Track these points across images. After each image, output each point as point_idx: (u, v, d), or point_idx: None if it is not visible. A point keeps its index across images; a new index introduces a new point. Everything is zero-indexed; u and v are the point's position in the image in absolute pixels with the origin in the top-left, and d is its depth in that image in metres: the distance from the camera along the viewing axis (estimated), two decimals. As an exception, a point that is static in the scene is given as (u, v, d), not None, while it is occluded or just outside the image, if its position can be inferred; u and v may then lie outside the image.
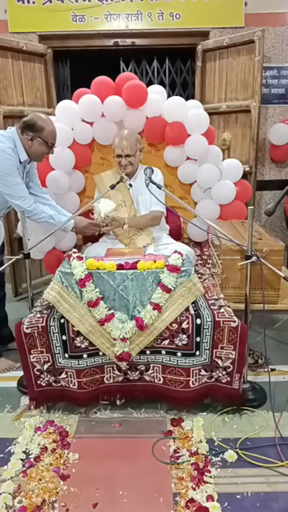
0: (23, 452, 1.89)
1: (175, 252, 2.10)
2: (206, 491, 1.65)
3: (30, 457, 1.87)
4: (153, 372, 2.11)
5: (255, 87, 3.46)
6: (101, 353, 2.08)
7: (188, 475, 1.73)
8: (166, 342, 2.06)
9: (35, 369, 2.11)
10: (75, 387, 2.10)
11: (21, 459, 1.85)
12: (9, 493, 1.66)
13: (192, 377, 2.06)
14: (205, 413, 2.13)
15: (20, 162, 2.46)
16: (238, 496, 1.64)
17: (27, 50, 3.51)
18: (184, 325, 2.03)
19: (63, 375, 2.10)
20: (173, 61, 4.33)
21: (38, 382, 2.13)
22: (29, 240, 2.32)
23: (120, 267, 2.06)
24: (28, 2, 3.64)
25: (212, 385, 2.10)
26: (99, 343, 2.04)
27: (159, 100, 3.02)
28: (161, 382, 2.11)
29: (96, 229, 2.73)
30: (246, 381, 2.21)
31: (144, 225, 2.74)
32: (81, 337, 2.05)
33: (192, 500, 1.60)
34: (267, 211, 2.78)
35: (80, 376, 2.08)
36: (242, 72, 3.56)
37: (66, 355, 2.08)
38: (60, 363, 2.09)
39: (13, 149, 2.39)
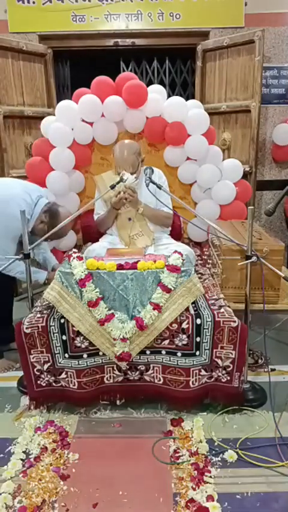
0: (23, 452, 1.89)
1: (175, 252, 2.10)
2: (206, 491, 1.65)
3: (30, 457, 1.87)
4: (153, 372, 2.11)
5: (255, 87, 3.46)
6: (101, 353, 2.08)
7: (188, 475, 1.73)
8: (166, 342, 2.06)
9: (35, 369, 2.11)
10: (75, 387, 2.10)
11: (21, 459, 1.85)
12: (9, 493, 1.66)
13: (192, 377, 2.06)
14: (205, 413, 2.13)
15: None
16: (238, 496, 1.64)
17: (27, 50, 3.52)
18: (184, 325, 2.03)
19: (63, 375, 2.10)
20: (173, 61, 4.32)
21: (38, 382, 2.13)
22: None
23: (120, 267, 2.06)
24: (28, 2, 3.63)
25: (212, 384, 2.10)
26: (99, 343, 2.04)
27: (159, 100, 3.02)
28: (161, 382, 2.11)
29: None
30: (246, 381, 2.21)
31: (156, 218, 2.71)
32: (81, 337, 2.05)
33: (192, 500, 1.60)
34: (267, 211, 2.79)
35: (80, 376, 2.08)
36: (242, 72, 3.55)
37: (66, 355, 2.08)
38: (60, 363, 2.09)
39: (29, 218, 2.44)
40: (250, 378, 2.31)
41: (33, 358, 2.09)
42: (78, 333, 2.04)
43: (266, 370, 2.32)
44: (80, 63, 4.43)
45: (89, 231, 3.08)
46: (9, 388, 2.38)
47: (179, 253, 2.09)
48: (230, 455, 1.83)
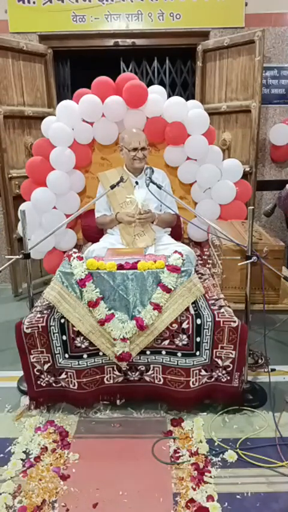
0: (23, 452, 1.89)
1: (175, 252, 2.10)
2: (206, 491, 1.65)
3: (30, 457, 1.87)
4: (154, 373, 2.11)
5: (256, 88, 3.46)
6: (101, 353, 2.08)
7: (188, 475, 1.73)
8: (166, 342, 2.06)
9: (35, 369, 2.11)
10: (75, 387, 2.10)
11: (21, 459, 1.85)
12: (9, 493, 1.66)
13: (193, 377, 2.06)
14: (205, 413, 2.13)
15: None
16: (238, 496, 1.64)
17: (28, 50, 3.51)
18: (184, 325, 2.03)
19: (63, 375, 2.10)
20: (173, 61, 4.32)
21: (38, 382, 2.13)
22: (29, 240, 2.32)
23: (120, 267, 2.06)
24: (28, 2, 3.63)
25: (212, 384, 2.10)
26: (100, 343, 2.04)
27: (159, 100, 3.02)
28: (161, 382, 2.11)
29: None
30: (246, 381, 2.21)
31: (166, 222, 2.82)
32: (82, 337, 2.05)
33: (192, 500, 1.61)
34: (265, 212, 2.79)
35: (80, 376, 2.08)
36: (242, 73, 3.55)
37: (66, 355, 2.08)
38: (60, 363, 2.09)
39: None
40: (250, 378, 2.31)
41: (33, 358, 2.09)
42: (79, 333, 2.04)
43: (266, 370, 2.31)
44: (80, 63, 4.43)
45: (89, 231, 3.08)
46: (9, 388, 2.38)
47: (179, 253, 2.09)
48: (230, 455, 1.83)
